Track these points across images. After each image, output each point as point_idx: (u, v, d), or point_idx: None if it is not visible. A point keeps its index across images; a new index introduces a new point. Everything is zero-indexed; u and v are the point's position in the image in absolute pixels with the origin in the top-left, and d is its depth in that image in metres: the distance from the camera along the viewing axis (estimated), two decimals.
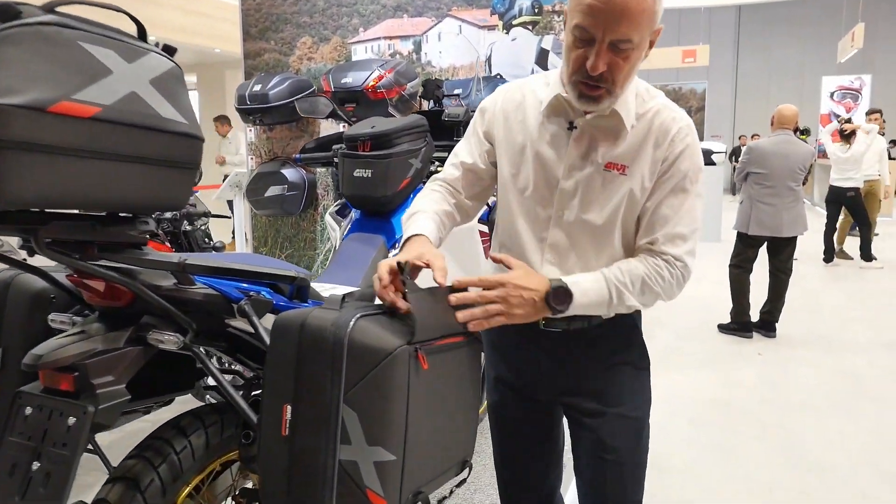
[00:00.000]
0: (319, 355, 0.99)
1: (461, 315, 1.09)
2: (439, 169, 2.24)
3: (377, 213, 2.05)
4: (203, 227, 3.22)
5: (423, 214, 1.29)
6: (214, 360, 2.55)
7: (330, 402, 0.98)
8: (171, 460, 1.25)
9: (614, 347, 1.28)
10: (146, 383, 1.35)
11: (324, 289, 1.73)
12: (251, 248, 4.87)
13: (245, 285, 1.30)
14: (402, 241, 1.23)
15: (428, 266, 1.13)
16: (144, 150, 0.96)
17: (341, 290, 1.75)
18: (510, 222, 1.28)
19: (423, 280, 1.12)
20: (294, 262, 4.78)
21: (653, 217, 1.18)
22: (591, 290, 1.14)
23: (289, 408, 1.02)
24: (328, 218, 2.29)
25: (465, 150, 1.37)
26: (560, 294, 1.12)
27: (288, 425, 1.01)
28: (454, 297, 1.10)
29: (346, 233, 2.07)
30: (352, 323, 0.99)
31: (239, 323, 1.25)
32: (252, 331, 1.21)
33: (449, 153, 2.38)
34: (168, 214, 3.11)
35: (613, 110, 1.15)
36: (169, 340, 1.13)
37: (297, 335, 1.02)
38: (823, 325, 4.84)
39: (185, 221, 3.07)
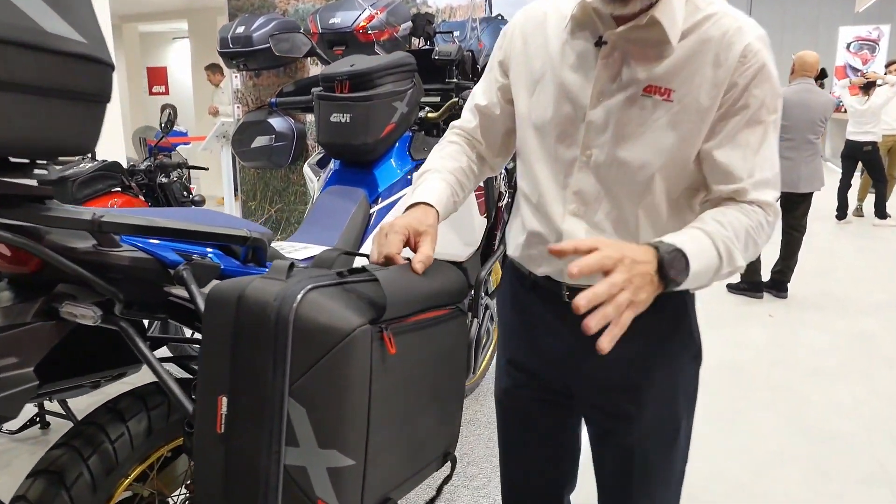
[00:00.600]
0: (259, 337, 0.80)
1: (588, 321, 0.75)
2: (430, 115, 2.02)
3: (357, 164, 1.84)
4: (181, 180, 3.00)
5: (435, 176, 1.09)
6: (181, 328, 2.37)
7: (272, 395, 0.80)
8: (104, 450, 1.08)
9: (660, 332, 1.03)
10: (84, 358, 1.17)
11: (294, 249, 1.53)
12: (239, 203, 4.66)
13: (191, 247, 1.10)
14: (407, 205, 1.05)
15: (415, 247, 0.97)
16: (24, 75, 0.75)
17: (315, 250, 1.55)
18: (528, 168, 1.06)
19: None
20: (284, 217, 4.57)
21: (727, 160, 0.93)
22: (699, 251, 0.86)
23: (224, 400, 0.83)
24: (306, 169, 2.07)
25: (481, 90, 1.16)
26: (677, 260, 0.83)
27: (223, 421, 0.83)
28: (583, 299, 0.76)
29: (323, 185, 1.86)
30: (300, 296, 0.80)
31: (182, 291, 1.06)
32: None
33: (441, 98, 2.16)
34: (142, 165, 2.89)
35: (653, 18, 0.91)
36: (84, 314, 0.94)
37: (234, 311, 0.82)
38: (836, 285, 4.65)
39: (160, 173, 2.85)
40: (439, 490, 1.10)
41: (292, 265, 0.85)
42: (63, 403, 2.22)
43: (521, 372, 1.17)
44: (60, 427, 2.51)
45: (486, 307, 2.20)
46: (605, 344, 0.76)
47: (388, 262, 0.95)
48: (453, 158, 1.14)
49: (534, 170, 1.05)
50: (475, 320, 2.10)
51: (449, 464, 1.06)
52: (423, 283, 0.94)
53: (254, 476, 0.81)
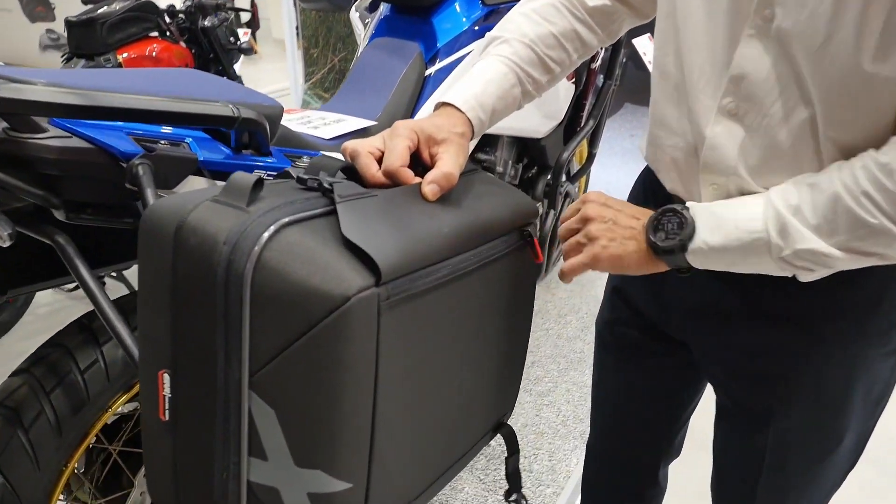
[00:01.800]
0: (203, 299, 0.51)
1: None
2: None
3: (412, 9, 1.43)
4: (228, 24, 2.65)
5: (499, 54, 0.76)
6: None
7: (223, 387, 0.52)
8: (71, 382, 0.86)
9: (839, 316, 0.68)
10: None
11: (323, 122, 1.20)
12: (301, 50, 4.27)
13: (158, 130, 0.80)
14: (435, 104, 0.73)
15: (431, 161, 0.67)
16: None
17: (352, 124, 1.22)
18: (670, 23, 0.68)
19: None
20: (349, 67, 4.16)
21: None
22: (735, 218, 0.61)
23: (166, 378, 0.56)
24: (353, 15, 1.68)
25: None
26: (667, 222, 0.64)
27: (167, 405, 0.57)
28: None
29: (369, 37, 1.48)
30: (265, 237, 0.49)
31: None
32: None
33: None
34: (179, 6, 2.54)
35: None
36: None
37: (171, 250, 0.53)
38: None
39: (200, 15, 2.50)
40: (510, 479, 0.83)
41: (259, 182, 0.53)
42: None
43: (630, 308, 0.89)
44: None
45: (567, 195, 1.84)
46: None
47: (390, 183, 0.64)
48: (543, 18, 0.77)
49: (681, 38, 0.66)
50: (551, 212, 1.75)
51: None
52: (457, 215, 0.62)
53: (208, 488, 0.56)
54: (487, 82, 0.73)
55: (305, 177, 0.57)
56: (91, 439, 0.91)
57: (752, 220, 0.59)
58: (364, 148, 0.64)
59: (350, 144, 0.64)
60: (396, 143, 0.64)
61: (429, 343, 0.58)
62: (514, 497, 0.82)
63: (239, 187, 0.52)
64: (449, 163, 0.64)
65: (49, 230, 0.74)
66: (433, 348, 0.59)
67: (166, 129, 0.80)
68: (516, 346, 0.78)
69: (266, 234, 0.49)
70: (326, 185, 0.56)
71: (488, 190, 0.71)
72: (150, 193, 0.70)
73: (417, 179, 0.64)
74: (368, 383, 0.52)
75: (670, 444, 0.99)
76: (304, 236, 0.51)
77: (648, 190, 0.82)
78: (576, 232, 0.70)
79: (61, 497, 1.00)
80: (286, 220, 0.51)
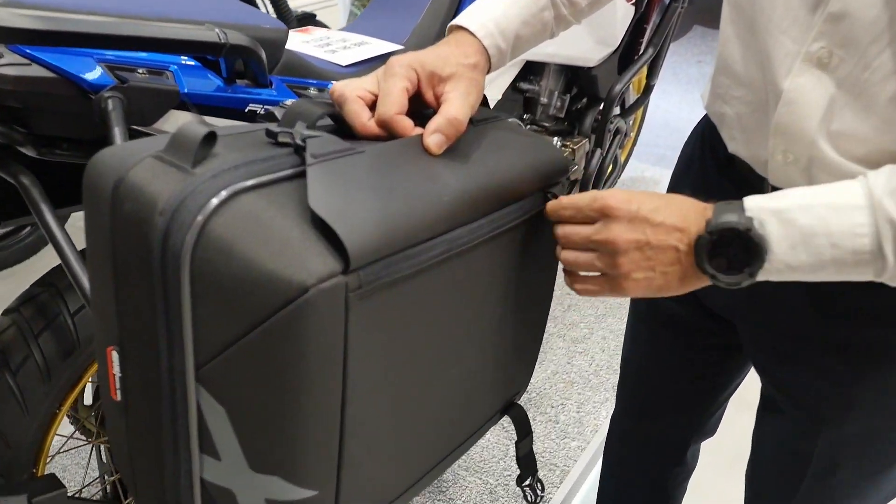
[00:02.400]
0: (140, 274, 0.43)
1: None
2: None
3: None
4: None
5: None
6: None
7: (170, 377, 0.44)
8: (60, 325, 0.82)
9: None
10: None
11: (345, 45, 1.08)
12: None
13: (137, 56, 0.70)
14: (448, 26, 0.61)
15: (436, 102, 0.55)
16: None
17: (376, 47, 1.10)
18: None
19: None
20: None
21: None
22: (829, 232, 0.46)
23: (115, 355, 0.49)
24: None
25: None
26: (728, 244, 0.47)
27: (118, 385, 0.50)
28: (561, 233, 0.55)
29: None
30: (209, 207, 0.40)
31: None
32: None
33: None
34: None
35: None
36: None
37: (109, 213, 0.44)
38: None
39: None
40: (522, 463, 0.75)
41: (211, 136, 0.44)
42: None
43: None
44: None
45: (617, 132, 1.68)
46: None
47: (385, 134, 0.53)
48: None
49: None
50: (597, 150, 1.60)
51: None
52: (465, 175, 0.51)
53: (160, 481, 0.50)
54: (510, 3, 0.60)
55: (276, 128, 0.47)
56: (86, 382, 0.87)
57: (856, 236, 0.45)
58: (353, 92, 0.53)
59: (338, 87, 0.54)
60: (391, 85, 0.52)
61: (418, 332, 0.49)
62: (528, 482, 0.75)
63: (184, 142, 0.43)
64: (456, 105, 0.53)
65: (13, 169, 0.67)
66: (425, 337, 0.50)
67: (147, 55, 0.71)
68: (533, 321, 0.68)
69: (210, 204, 0.40)
70: (299, 141, 0.46)
71: (508, 141, 0.59)
72: (118, 133, 0.61)
73: (418, 130, 0.53)
74: (334, 385, 0.44)
75: (703, 425, 0.90)
76: (261, 207, 0.41)
77: (707, 144, 0.70)
78: (588, 245, 0.53)
79: (72, 425, 0.99)
80: (240, 185, 0.42)
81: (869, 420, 0.62)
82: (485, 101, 1.39)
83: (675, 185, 0.77)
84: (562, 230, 0.54)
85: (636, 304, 0.86)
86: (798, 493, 0.69)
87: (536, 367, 1.85)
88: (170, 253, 0.41)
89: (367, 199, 0.44)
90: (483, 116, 0.60)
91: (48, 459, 0.88)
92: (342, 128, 0.54)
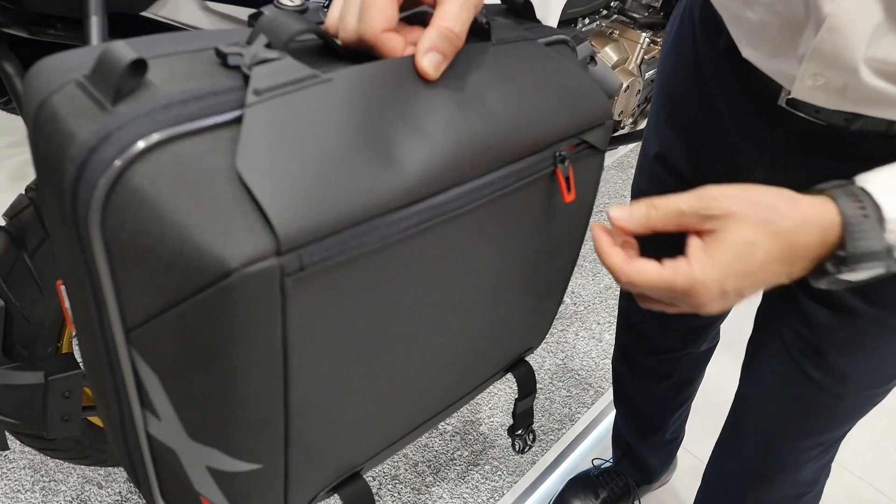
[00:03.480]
0: (60, 218, 0.37)
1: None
2: None
3: None
4: None
5: None
6: None
7: (102, 332, 0.40)
8: None
9: None
10: None
11: None
12: None
13: None
14: None
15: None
16: None
17: None
18: None
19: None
20: None
21: None
22: None
23: (63, 288, 0.45)
24: None
25: None
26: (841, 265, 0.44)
27: (72, 317, 0.47)
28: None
29: None
30: (117, 164, 0.33)
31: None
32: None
33: None
34: None
35: None
36: None
37: (33, 137, 0.38)
38: None
39: None
40: (518, 418, 0.70)
41: (139, 64, 0.35)
42: None
43: (673, 176, 0.76)
44: None
45: None
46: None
47: (368, 50, 0.42)
48: None
49: None
50: None
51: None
52: (462, 121, 0.41)
53: (116, 420, 0.47)
54: None
55: (226, 49, 0.38)
56: None
57: None
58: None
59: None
60: None
61: (387, 310, 0.43)
62: (519, 432, 0.70)
63: (106, 70, 0.35)
64: (450, 11, 0.42)
65: None
66: (396, 314, 0.44)
67: None
68: (549, 279, 0.60)
69: (119, 161, 0.33)
70: (246, 70, 0.37)
71: (530, 71, 0.48)
72: (94, 25, 0.53)
73: (409, 49, 0.42)
74: (272, 370, 0.38)
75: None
76: (189, 162, 0.34)
77: (698, 32, 0.68)
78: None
79: None
80: (163, 134, 0.34)
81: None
82: None
83: (667, 80, 0.75)
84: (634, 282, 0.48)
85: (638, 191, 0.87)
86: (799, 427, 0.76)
87: (588, 278, 1.77)
88: (79, 209, 0.34)
89: (316, 155, 0.35)
90: (505, 37, 0.48)
91: (73, 335, 0.90)
92: (331, 49, 0.44)
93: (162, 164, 0.33)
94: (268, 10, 0.42)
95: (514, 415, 0.68)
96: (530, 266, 0.55)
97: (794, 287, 0.69)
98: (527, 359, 0.66)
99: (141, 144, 0.33)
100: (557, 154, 0.48)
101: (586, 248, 1.90)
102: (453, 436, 1.36)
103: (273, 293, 0.34)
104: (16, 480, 1.27)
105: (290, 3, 0.43)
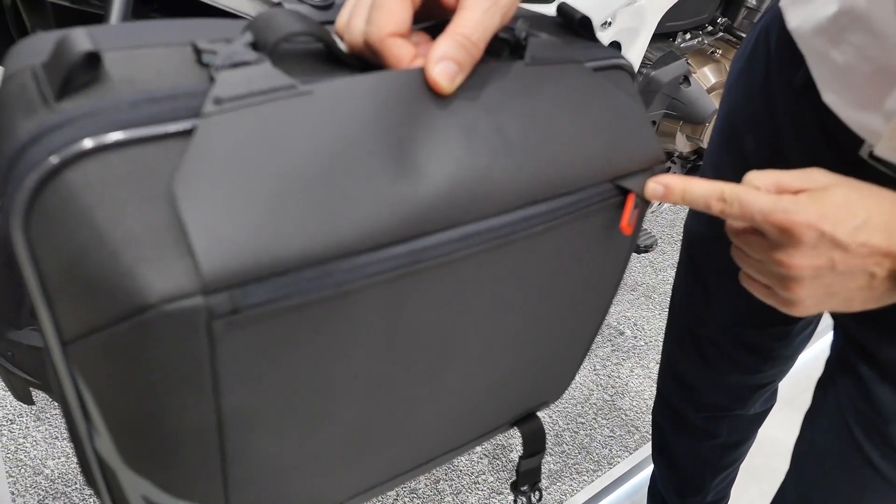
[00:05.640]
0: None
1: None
2: None
3: None
4: None
5: None
6: None
7: (45, 339, 0.37)
8: None
9: None
10: None
11: None
12: None
13: None
14: None
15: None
16: None
17: None
18: None
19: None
20: None
21: None
22: None
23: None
24: None
25: None
26: None
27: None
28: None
29: None
30: (47, 165, 0.29)
31: None
32: None
33: None
34: None
35: None
36: None
37: None
38: None
39: None
40: (522, 476, 0.63)
41: (92, 58, 0.31)
42: None
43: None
44: None
45: None
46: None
47: (375, 58, 0.37)
48: None
49: None
50: None
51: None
52: (457, 160, 0.35)
53: (71, 425, 0.44)
54: None
55: (203, 45, 0.34)
56: None
57: None
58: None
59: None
60: None
61: (351, 359, 0.37)
62: (524, 488, 0.64)
63: (58, 62, 0.31)
64: (472, 18, 0.36)
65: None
66: (362, 363, 0.38)
67: None
68: (574, 328, 0.53)
69: (49, 163, 0.29)
70: (213, 70, 0.32)
71: (566, 101, 0.41)
72: (116, 6, 0.51)
73: (417, 62, 0.36)
74: (202, 412, 0.34)
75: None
76: (126, 175, 0.30)
77: (775, 64, 0.61)
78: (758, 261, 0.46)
79: None
80: (96, 140, 0.30)
81: None
82: None
83: (732, 108, 0.69)
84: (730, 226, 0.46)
85: (690, 243, 0.82)
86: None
87: (655, 311, 1.65)
88: (5, 213, 0.31)
89: (275, 181, 0.30)
90: (545, 53, 0.41)
91: None
92: (333, 54, 0.39)
93: (92, 176, 0.29)
94: (287, 4, 0.38)
95: (517, 472, 0.62)
96: (555, 310, 0.48)
97: (855, 357, 0.60)
98: (571, 390, 0.60)
99: (73, 149, 0.29)
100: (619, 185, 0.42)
101: (657, 279, 1.78)
102: (481, 458, 1.30)
103: (198, 336, 0.30)
104: (56, 427, 1.31)
105: None
